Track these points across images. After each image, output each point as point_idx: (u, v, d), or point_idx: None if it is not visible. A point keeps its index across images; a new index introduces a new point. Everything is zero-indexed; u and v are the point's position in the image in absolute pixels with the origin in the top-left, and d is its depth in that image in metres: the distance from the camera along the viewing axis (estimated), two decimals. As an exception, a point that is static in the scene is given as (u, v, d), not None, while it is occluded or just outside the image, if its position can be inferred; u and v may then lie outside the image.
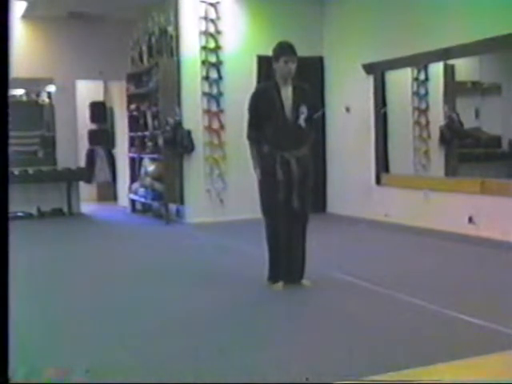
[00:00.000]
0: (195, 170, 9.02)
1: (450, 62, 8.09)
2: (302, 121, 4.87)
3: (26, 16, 9.87)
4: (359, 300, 4.71)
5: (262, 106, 4.92)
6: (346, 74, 9.13)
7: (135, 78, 10.28)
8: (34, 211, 10.10)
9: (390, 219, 8.17)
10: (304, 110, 4.87)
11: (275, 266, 4.96)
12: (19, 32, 9.92)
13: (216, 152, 9.06)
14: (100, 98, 12.04)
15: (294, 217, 4.89)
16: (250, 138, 5.01)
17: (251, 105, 5.00)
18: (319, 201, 9.50)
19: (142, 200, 10.10)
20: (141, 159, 10.26)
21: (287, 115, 4.86)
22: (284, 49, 4.92)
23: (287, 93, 4.89)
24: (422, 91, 8.51)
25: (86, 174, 10.89)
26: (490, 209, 6.82)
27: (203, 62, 8.99)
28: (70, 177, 10.44)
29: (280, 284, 4.94)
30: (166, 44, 9.29)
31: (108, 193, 12.11)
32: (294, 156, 4.85)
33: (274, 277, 4.97)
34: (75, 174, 10.53)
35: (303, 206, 4.91)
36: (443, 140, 8.48)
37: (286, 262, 4.96)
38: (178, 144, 8.81)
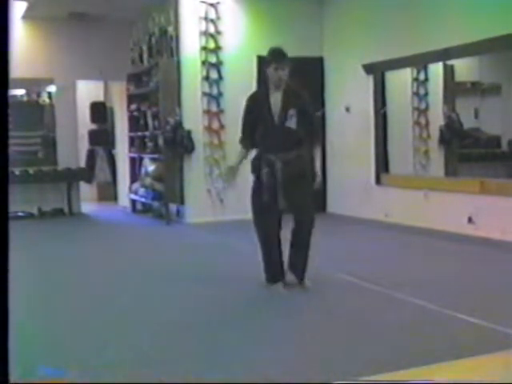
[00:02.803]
0: (195, 170, 9.03)
1: (450, 62, 8.10)
2: (291, 124, 4.85)
3: (27, 16, 9.88)
4: (359, 300, 4.72)
5: (252, 112, 4.98)
6: (345, 74, 9.14)
7: (135, 78, 10.29)
8: (34, 211, 10.11)
9: (389, 219, 8.18)
10: (293, 112, 4.85)
11: (269, 267, 4.99)
12: (20, 32, 9.93)
13: (216, 152, 9.07)
14: (100, 98, 12.05)
15: (296, 221, 4.89)
16: (240, 142, 5.11)
17: (244, 112, 5.06)
18: (319, 201, 9.51)
19: (143, 200, 10.12)
20: (141, 159, 10.28)
21: (275, 119, 4.87)
22: (274, 55, 4.92)
23: (277, 97, 4.89)
24: (422, 91, 8.52)
25: (87, 174, 10.90)
26: (489, 209, 6.82)
27: (203, 63, 9.00)
28: (71, 177, 10.44)
29: (279, 285, 4.94)
30: (166, 44, 9.30)
31: (108, 193, 12.12)
32: (281, 159, 4.84)
33: (270, 278, 4.99)
34: (76, 174, 10.54)
35: (302, 208, 4.90)
36: (443, 140, 8.49)
37: (281, 262, 4.98)
38: (178, 144, 8.82)
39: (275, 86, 4.89)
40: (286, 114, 4.85)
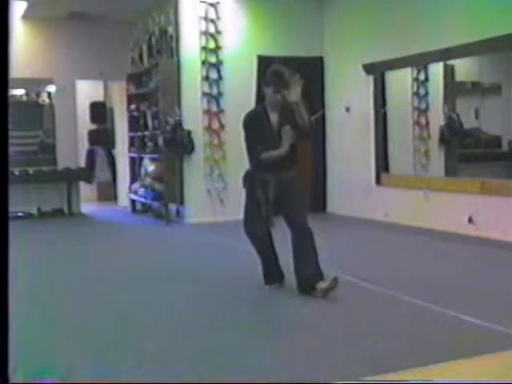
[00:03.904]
0: (195, 170, 9.02)
1: (450, 62, 8.09)
2: (285, 141, 4.73)
3: (26, 16, 9.88)
4: (359, 300, 4.72)
5: (254, 128, 4.87)
6: (346, 74, 9.14)
7: (135, 78, 10.29)
8: (34, 211, 10.11)
9: (389, 219, 8.18)
10: (287, 130, 4.74)
11: (267, 270, 5.06)
12: (19, 32, 9.93)
13: (216, 152, 9.06)
14: (100, 98, 12.05)
15: (297, 233, 4.87)
16: (255, 161, 4.92)
17: (246, 131, 4.93)
18: (319, 201, 9.52)
19: (142, 200, 10.11)
20: (141, 159, 10.28)
21: (275, 138, 4.78)
22: (275, 78, 4.86)
23: (274, 117, 4.83)
24: (422, 91, 8.51)
25: (86, 173, 10.90)
26: (489, 209, 6.82)
27: (203, 62, 8.99)
28: (70, 177, 10.44)
29: (275, 285, 5.02)
30: (166, 44, 9.30)
31: (108, 193, 12.12)
32: (275, 178, 4.79)
33: (267, 280, 5.05)
34: (75, 174, 10.54)
35: (295, 216, 4.87)
36: (443, 140, 8.48)
37: (278, 265, 5.04)
38: (178, 144, 8.81)
39: (272, 106, 4.85)
40: (281, 132, 4.76)
